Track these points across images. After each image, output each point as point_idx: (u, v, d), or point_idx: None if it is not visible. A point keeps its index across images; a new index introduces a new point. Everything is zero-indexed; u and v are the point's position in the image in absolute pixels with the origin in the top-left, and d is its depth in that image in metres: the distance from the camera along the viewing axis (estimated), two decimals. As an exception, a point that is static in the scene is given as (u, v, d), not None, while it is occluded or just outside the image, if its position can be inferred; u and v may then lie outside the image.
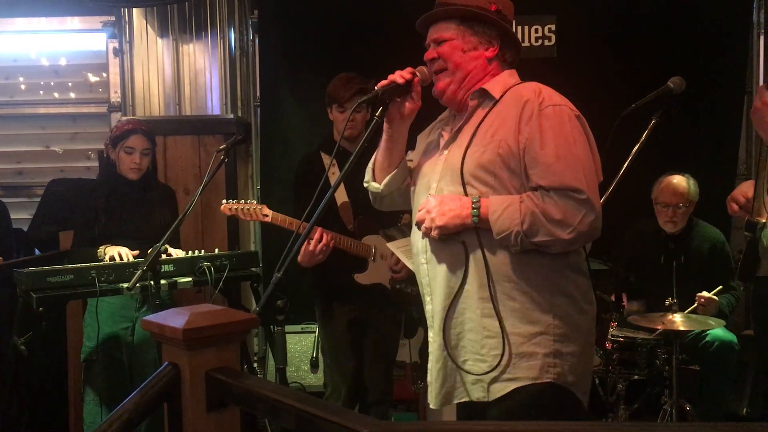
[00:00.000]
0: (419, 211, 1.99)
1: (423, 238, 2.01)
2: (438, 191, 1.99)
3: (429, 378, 2.08)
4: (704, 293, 3.51)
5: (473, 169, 1.92)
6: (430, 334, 2.07)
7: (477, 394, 1.96)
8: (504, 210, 1.85)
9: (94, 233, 3.28)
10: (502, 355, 1.88)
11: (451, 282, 1.96)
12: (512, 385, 1.90)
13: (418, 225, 1.99)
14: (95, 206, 3.31)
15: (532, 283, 1.89)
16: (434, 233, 1.93)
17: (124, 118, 4.15)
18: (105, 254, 3.14)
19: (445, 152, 2.04)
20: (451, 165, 1.98)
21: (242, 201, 3.03)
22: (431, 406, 2.08)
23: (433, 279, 2.01)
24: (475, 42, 2.02)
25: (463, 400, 2.01)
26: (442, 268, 1.97)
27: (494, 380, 1.92)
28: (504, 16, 2.04)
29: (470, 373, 1.94)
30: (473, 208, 1.88)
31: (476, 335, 1.93)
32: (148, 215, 3.40)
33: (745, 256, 2.80)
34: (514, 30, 2.10)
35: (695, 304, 3.49)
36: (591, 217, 1.83)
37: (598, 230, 1.88)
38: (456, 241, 1.93)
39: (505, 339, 1.88)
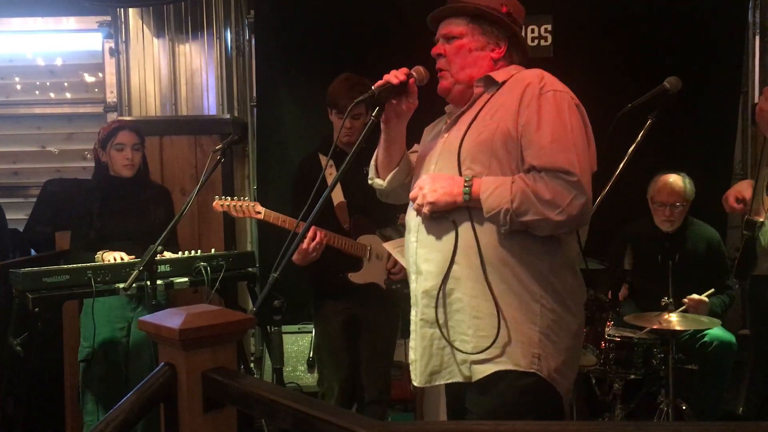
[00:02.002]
0: (413, 188, 2.01)
1: (417, 216, 2.02)
2: (436, 172, 2.01)
3: (412, 356, 2.07)
4: (693, 295, 3.52)
5: (470, 150, 1.94)
6: (413, 313, 2.08)
7: (466, 372, 1.96)
8: (495, 189, 1.86)
9: (91, 237, 3.29)
10: (497, 336, 1.87)
11: (440, 261, 1.96)
12: (494, 368, 1.90)
13: (412, 201, 2.01)
14: (90, 210, 3.32)
15: (522, 267, 1.90)
16: (425, 209, 1.94)
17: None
18: (102, 260, 3.14)
19: (446, 135, 2.07)
20: (449, 146, 2.00)
21: (235, 198, 3.03)
22: (416, 384, 2.07)
23: (421, 258, 2.02)
24: (483, 42, 2.05)
25: (451, 380, 2.00)
26: (432, 247, 1.98)
27: (480, 361, 1.91)
28: (514, 18, 2.07)
29: (460, 351, 1.94)
30: (465, 186, 1.89)
31: (463, 315, 1.93)
32: (143, 215, 3.40)
33: (742, 254, 2.81)
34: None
35: (684, 306, 3.50)
36: (581, 200, 1.84)
37: (587, 215, 1.89)
38: (446, 220, 1.94)
39: (500, 320, 1.88)
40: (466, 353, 1.93)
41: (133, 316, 3.36)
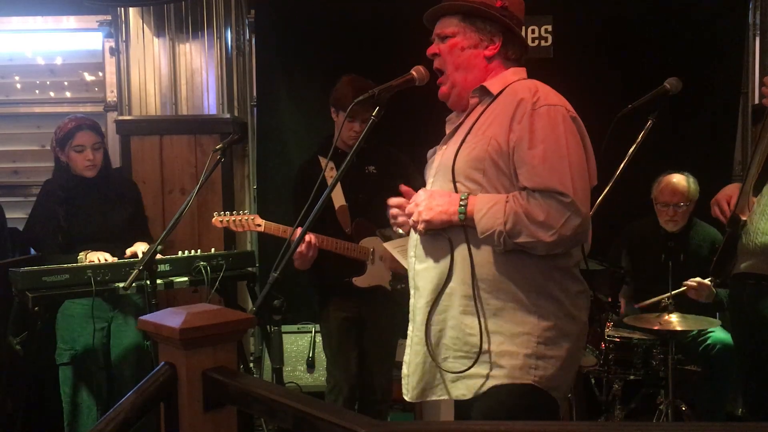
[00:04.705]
0: (410, 203, 1.99)
1: (416, 233, 2.01)
2: (433, 187, 2.01)
3: (405, 370, 2.08)
4: (698, 278, 3.50)
5: (463, 167, 1.92)
6: (410, 328, 2.08)
7: (457, 392, 1.95)
8: (489, 209, 1.84)
9: (58, 239, 3.23)
10: (479, 353, 1.87)
11: (435, 278, 1.95)
12: (492, 382, 1.88)
13: (407, 217, 2.00)
14: (56, 212, 3.25)
15: (517, 283, 1.87)
16: (420, 227, 1.94)
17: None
18: (86, 260, 3.12)
19: (444, 148, 2.05)
20: (444, 162, 1.99)
21: (234, 213, 3.03)
22: (406, 398, 2.07)
23: (418, 274, 2.02)
24: (476, 39, 2.02)
25: (441, 398, 2.00)
26: (428, 264, 1.98)
27: (473, 377, 1.90)
28: (510, 12, 2.02)
29: (449, 372, 1.94)
30: (460, 205, 1.87)
31: (457, 333, 1.92)
32: (109, 214, 3.36)
33: (721, 251, 2.81)
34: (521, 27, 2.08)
35: (684, 288, 3.48)
36: (575, 221, 1.79)
37: (583, 235, 1.85)
38: (443, 237, 1.93)
39: (483, 338, 1.86)
40: (456, 373, 1.92)
41: (112, 316, 3.33)
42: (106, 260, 3.11)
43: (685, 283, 3.49)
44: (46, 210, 3.28)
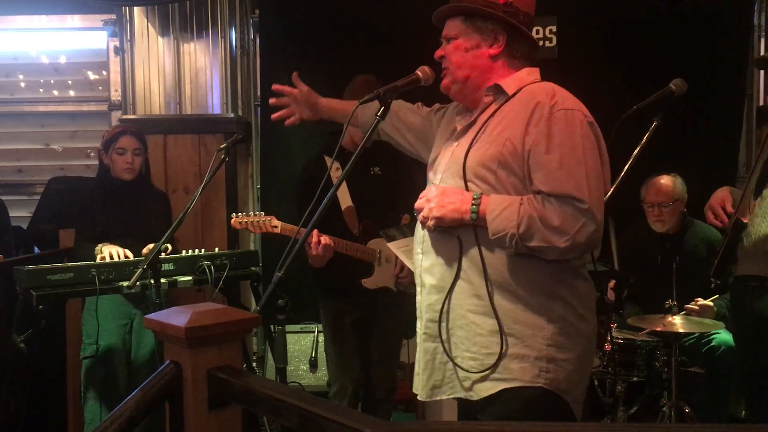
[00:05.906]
0: (420, 198, 1.97)
1: (423, 229, 2.00)
2: (442, 183, 1.99)
3: (417, 369, 2.07)
4: (699, 300, 3.52)
5: (474, 166, 1.90)
6: (418, 325, 2.06)
7: (465, 392, 1.94)
8: (502, 210, 1.82)
9: (95, 232, 3.33)
10: (500, 354, 1.85)
11: (444, 276, 1.94)
12: (501, 385, 1.87)
13: (417, 212, 1.98)
14: (92, 207, 3.39)
15: (527, 284, 1.86)
16: (430, 223, 1.91)
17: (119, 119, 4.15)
18: (101, 252, 3.16)
19: (455, 144, 2.02)
20: (456, 159, 1.97)
21: (251, 213, 3.04)
22: (418, 397, 2.05)
23: (425, 271, 2.01)
24: (478, 39, 1.99)
25: (451, 396, 1.99)
26: (437, 261, 1.96)
27: (483, 379, 1.89)
28: (516, 8, 1.97)
29: (461, 368, 1.92)
30: (473, 204, 1.85)
31: (467, 332, 1.91)
32: (142, 218, 3.44)
33: (722, 254, 2.81)
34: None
35: (688, 311, 3.49)
36: (591, 227, 1.79)
37: (596, 242, 1.84)
38: (452, 235, 1.92)
39: (493, 339, 1.86)
40: (468, 371, 1.91)
41: (135, 313, 3.37)
42: (111, 256, 3.14)
43: (687, 307, 3.49)
44: (83, 207, 3.43)
